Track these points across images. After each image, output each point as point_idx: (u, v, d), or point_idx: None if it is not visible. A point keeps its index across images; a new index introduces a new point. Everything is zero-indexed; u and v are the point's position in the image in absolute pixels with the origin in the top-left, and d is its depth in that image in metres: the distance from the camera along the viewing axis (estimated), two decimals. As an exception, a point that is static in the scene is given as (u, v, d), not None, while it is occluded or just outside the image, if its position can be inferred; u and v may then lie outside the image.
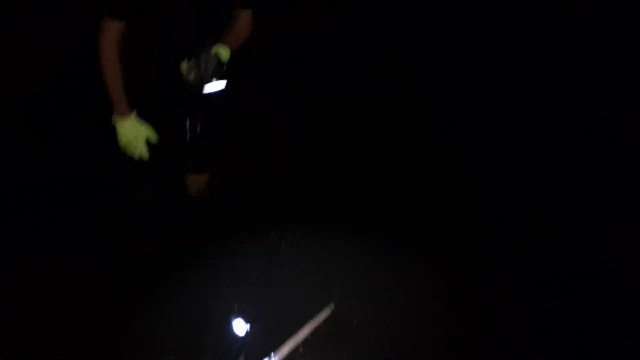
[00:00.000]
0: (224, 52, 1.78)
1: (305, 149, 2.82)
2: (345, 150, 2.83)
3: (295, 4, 3.28)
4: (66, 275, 2.16)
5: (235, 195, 2.52)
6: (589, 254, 2.26)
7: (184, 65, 1.71)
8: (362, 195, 2.60)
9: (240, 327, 2.01)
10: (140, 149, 1.83)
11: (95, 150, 2.68)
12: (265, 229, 2.39)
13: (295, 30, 3.29)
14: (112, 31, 1.72)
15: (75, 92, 2.74)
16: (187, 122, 1.98)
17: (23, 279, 2.13)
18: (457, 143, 2.85)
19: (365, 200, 2.58)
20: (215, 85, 1.75)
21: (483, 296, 2.13)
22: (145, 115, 1.83)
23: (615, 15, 3.21)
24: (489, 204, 2.54)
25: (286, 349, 1.85)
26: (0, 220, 2.37)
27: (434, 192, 2.60)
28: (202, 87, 1.75)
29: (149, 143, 1.85)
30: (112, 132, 1.84)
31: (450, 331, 2.01)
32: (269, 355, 1.85)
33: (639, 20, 3.17)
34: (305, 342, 1.88)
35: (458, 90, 3.12)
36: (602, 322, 2.03)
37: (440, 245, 2.32)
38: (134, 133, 1.80)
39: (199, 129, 1.99)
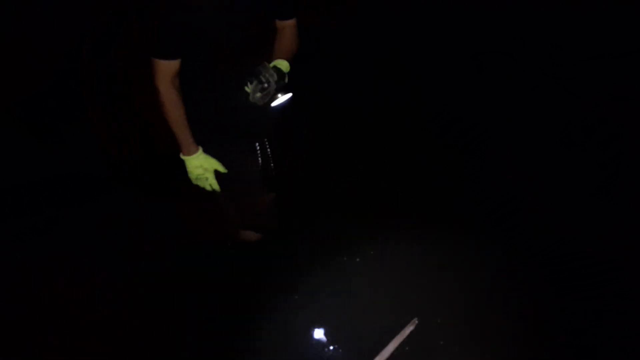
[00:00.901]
0: (283, 65, 1.75)
1: (305, 149, 2.82)
2: (345, 150, 2.83)
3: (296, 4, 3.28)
4: (66, 275, 2.16)
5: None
6: (589, 254, 2.26)
7: (248, 87, 1.68)
8: (362, 195, 2.60)
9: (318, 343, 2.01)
10: (210, 182, 1.85)
11: (95, 150, 2.68)
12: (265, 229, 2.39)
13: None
14: (166, 72, 1.64)
15: (75, 92, 2.74)
16: (257, 145, 1.95)
17: (23, 279, 2.13)
18: (457, 143, 2.85)
19: (365, 200, 2.58)
20: (281, 100, 1.74)
21: (483, 296, 2.13)
22: (213, 143, 1.82)
23: (615, 15, 3.21)
24: (489, 204, 2.54)
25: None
26: (0, 220, 2.37)
27: (434, 192, 2.60)
28: (269, 105, 1.74)
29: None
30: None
31: (450, 331, 2.01)
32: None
33: (639, 20, 3.16)
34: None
35: (458, 90, 3.12)
36: (602, 322, 2.03)
37: (440, 245, 2.32)
38: (202, 168, 1.81)
39: (269, 150, 1.97)
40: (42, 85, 2.74)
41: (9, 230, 2.32)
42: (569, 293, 2.14)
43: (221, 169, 1.84)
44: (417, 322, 1.95)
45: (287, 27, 1.84)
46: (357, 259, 2.29)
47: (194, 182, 1.86)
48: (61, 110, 2.75)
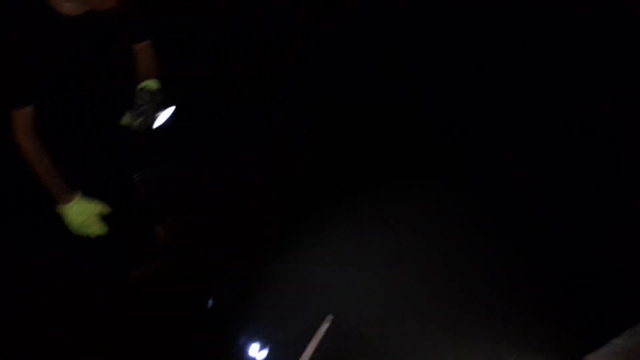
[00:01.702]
0: (150, 84, 1.70)
1: (305, 149, 2.81)
2: (345, 150, 2.82)
3: (296, 4, 3.28)
4: (66, 275, 2.16)
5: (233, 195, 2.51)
6: (589, 254, 2.26)
7: (126, 119, 1.66)
8: (362, 195, 2.60)
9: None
10: (94, 228, 1.73)
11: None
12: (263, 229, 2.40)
13: (295, 30, 3.28)
14: (23, 120, 1.54)
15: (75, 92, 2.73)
16: (136, 177, 1.90)
17: (23, 279, 2.13)
18: (457, 143, 2.85)
19: (365, 200, 2.58)
20: (162, 119, 1.71)
21: (482, 296, 2.13)
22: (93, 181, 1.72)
23: (615, 15, 3.21)
24: (489, 204, 2.53)
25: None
26: (0, 220, 2.36)
27: (434, 192, 2.60)
28: (151, 127, 1.71)
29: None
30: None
31: (449, 331, 2.01)
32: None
33: (639, 20, 3.16)
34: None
35: (458, 90, 3.12)
36: (602, 322, 2.03)
37: (440, 246, 2.32)
38: (84, 215, 1.69)
39: (146, 181, 1.94)
40: (42, 85, 2.73)
41: (9, 230, 2.32)
42: (569, 293, 2.14)
43: (105, 210, 1.71)
44: (332, 318, 1.90)
45: (143, 49, 1.79)
46: (357, 260, 2.28)
47: (77, 232, 1.73)
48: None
